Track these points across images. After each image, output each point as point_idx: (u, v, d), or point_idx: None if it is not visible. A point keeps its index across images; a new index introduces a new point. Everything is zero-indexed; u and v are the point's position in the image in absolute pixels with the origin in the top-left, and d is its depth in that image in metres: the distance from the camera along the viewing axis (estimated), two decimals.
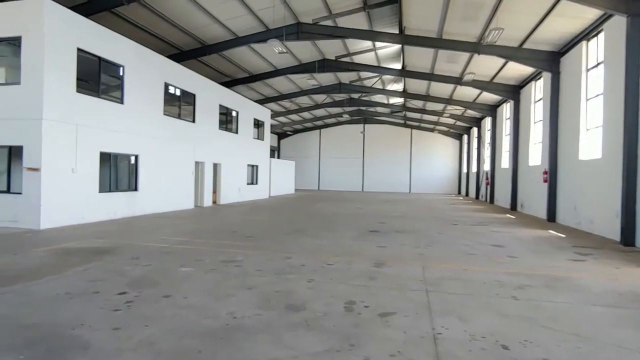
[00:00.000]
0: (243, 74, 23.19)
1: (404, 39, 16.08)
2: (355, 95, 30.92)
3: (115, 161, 13.02)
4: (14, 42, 10.56)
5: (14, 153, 10.69)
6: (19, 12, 10.47)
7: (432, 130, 39.82)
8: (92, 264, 6.50)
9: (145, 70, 14.12)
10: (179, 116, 16.53)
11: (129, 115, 13.37)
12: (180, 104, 16.71)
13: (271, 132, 41.55)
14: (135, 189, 13.84)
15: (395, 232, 11.19)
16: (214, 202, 20.05)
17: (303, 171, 43.90)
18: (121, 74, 13.04)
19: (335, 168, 43.28)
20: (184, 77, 16.65)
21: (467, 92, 23.39)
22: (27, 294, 4.88)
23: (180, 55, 18.45)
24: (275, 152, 45.47)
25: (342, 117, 37.30)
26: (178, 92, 16.42)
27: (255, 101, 26.96)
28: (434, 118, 34.54)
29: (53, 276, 5.67)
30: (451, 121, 34.20)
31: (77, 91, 11.25)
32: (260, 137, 26.30)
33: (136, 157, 13.87)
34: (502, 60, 16.40)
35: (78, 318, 4.07)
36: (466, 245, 9.21)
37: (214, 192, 20.06)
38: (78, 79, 11.26)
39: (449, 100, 25.71)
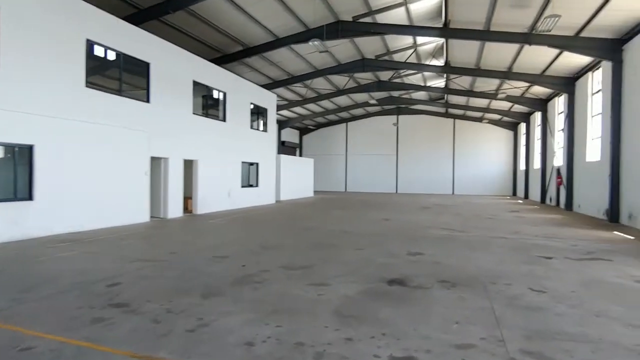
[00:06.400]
0: (236, 46, 18.11)
1: None
2: (385, 77, 25.10)
3: None
4: None
5: None
6: None
7: (479, 119, 33.09)
8: None
9: (49, 18, 9.30)
10: (119, 92, 11.62)
11: (11, 82, 8.57)
12: (121, 76, 11.81)
13: (291, 127, 36.45)
14: (29, 198, 9.03)
15: (442, 287, 5.49)
16: (190, 211, 15.10)
17: (328, 170, 38.49)
18: None
19: (365, 166, 37.45)
20: (125, 35, 11.61)
21: (536, 58, 17.01)
22: None
23: (140, 15, 13.62)
24: (296, 149, 40.34)
25: (369, 104, 31.43)
26: (116, 57, 11.51)
27: (262, 86, 21.90)
28: (483, 103, 28.00)
29: None
30: (505, 106, 27.53)
31: None
32: (261, 127, 21.14)
33: (30, 148, 9.06)
34: None
35: None
36: (626, 336, 3.42)
37: (189, 198, 15.11)
38: None
39: (508, 74, 19.38)
